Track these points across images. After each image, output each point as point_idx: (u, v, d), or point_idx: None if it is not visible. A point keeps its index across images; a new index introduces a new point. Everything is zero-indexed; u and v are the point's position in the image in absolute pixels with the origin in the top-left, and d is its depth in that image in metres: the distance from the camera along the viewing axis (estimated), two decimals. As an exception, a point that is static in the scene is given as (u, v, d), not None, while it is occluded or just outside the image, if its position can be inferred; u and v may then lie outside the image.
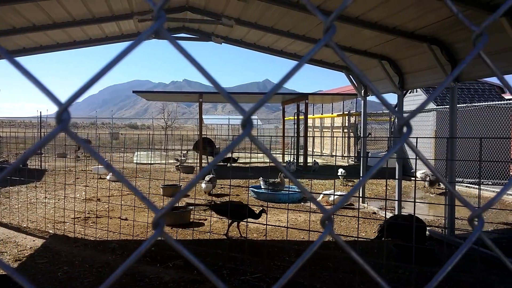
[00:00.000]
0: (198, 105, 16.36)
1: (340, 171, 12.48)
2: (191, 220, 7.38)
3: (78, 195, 9.47)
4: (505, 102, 12.64)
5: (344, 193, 9.63)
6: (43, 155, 17.86)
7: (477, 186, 5.71)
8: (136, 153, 22.03)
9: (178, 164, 15.39)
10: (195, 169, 14.95)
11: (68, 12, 7.04)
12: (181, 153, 16.90)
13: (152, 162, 16.87)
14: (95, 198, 9.02)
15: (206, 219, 7.56)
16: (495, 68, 0.56)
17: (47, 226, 6.96)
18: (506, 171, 11.51)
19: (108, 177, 11.80)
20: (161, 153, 22.63)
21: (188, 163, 16.56)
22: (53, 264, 5.21)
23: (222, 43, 9.98)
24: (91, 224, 7.08)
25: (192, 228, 6.52)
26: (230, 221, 6.32)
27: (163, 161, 17.19)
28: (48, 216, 7.49)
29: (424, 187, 11.45)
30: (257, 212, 6.20)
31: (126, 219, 7.42)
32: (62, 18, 7.27)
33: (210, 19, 8.61)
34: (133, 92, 16.87)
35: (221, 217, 6.56)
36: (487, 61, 0.55)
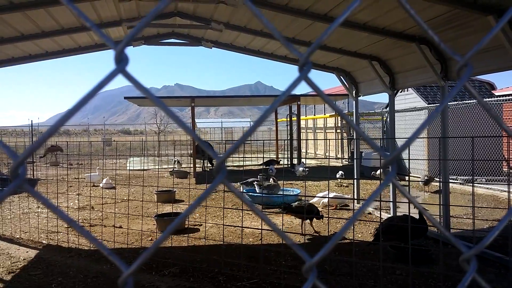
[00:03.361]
0: (191, 109, 16.32)
1: (340, 173, 12.53)
2: (186, 226, 7.34)
3: (71, 203, 9.38)
4: (496, 99, 12.73)
5: (339, 194, 9.63)
6: (35, 163, 17.70)
7: (471, 184, 5.75)
8: (129, 159, 21.92)
9: (172, 169, 15.32)
10: (190, 173, 14.89)
11: (56, 20, 6.99)
12: (174, 158, 16.84)
13: (145, 168, 16.80)
14: (89, 206, 8.94)
15: (201, 225, 7.52)
16: (478, 96, 0.55)
17: (40, 237, 6.88)
18: (499, 167, 11.59)
19: (101, 185, 11.72)
20: (154, 159, 22.52)
21: (182, 167, 16.51)
22: (47, 275, 5.15)
23: (212, 48, 9.96)
24: (85, 233, 7.00)
25: (187, 235, 6.49)
26: (302, 220, 6.89)
27: (157, 167, 17.11)
28: (41, 226, 7.41)
29: (420, 185, 11.49)
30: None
31: (120, 227, 7.36)
32: (50, 27, 7.22)
33: (199, 24, 8.60)
34: (125, 98, 16.79)
35: (295, 217, 7.16)
36: (472, 92, 0.54)
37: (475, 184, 10.89)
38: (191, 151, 15.86)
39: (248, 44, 9.65)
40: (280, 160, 18.40)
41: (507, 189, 9.08)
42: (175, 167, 16.20)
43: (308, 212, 6.61)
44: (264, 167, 12.45)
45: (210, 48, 10.02)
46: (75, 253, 5.99)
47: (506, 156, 12.40)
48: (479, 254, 5.32)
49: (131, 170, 15.13)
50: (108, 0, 6.80)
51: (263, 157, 16.90)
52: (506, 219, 0.67)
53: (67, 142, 8.23)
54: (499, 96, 14.43)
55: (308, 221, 6.93)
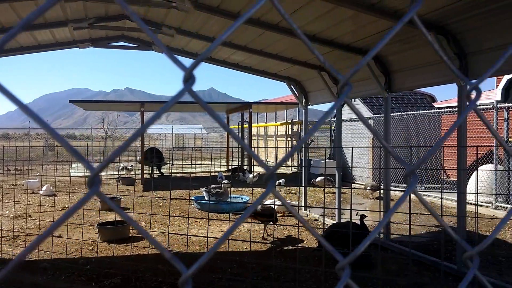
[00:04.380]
0: (140, 114, 15.93)
1: (281, 181, 12.69)
2: (130, 235, 7.11)
3: (7, 211, 8.83)
4: (436, 110, 13.47)
5: (287, 201, 9.72)
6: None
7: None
8: (73, 165, 21.01)
9: (118, 176, 14.84)
10: (136, 181, 14.48)
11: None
12: (122, 165, 16.33)
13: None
14: (26, 214, 8.45)
15: (146, 233, 7.32)
16: (360, 114, 0.56)
17: (-31, 248, 6.40)
18: (439, 176, 12.22)
19: (41, 192, 11.13)
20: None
21: (131, 174, 16.03)
22: (-26, 289, 4.78)
23: (163, 52, 9.81)
24: (20, 243, 6.61)
25: (130, 244, 6.29)
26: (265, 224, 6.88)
27: (103, 173, 16.51)
28: (-29, 236, 6.90)
29: (365, 192, 11.87)
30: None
31: (60, 236, 7.00)
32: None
33: (150, 28, 8.44)
34: (70, 101, 16.11)
35: (260, 220, 7.07)
36: (353, 109, 0.56)
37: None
38: (139, 157, 15.45)
39: (200, 50, 9.59)
40: (246, 167, 18.36)
41: (444, 196, 9.59)
42: (124, 173, 15.72)
43: (269, 216, 6.69)
44: (232, 174, 12.41)
45: (161, 53, 9.86)
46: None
47: (444, 166, 13.12)
48: (417, 258, 5.56)
49: (74, 176, 14.49)
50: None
51: (229, 165, 16.76)
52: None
53: (3, 146, 7.74)
54: (439, 108, 15.27)
55: (262, 225, 7.00)
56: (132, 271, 5.28)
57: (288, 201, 9.78)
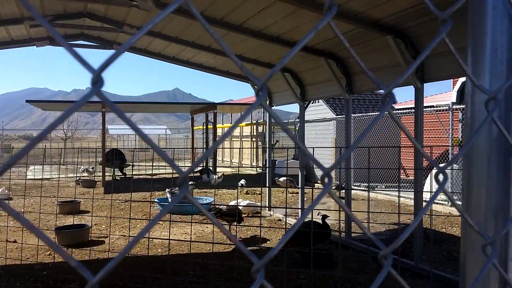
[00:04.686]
0: (101, 115, 15.54)
1: (242, 181, 12.68)
2: (90, 239, 6.92)
3: (-44, 217, 8.39)
4: (395, 111, 13.87)
5: (252, 202, 9.75)
6: None
7: (371, 190, 6.21)
8: (30, 168, 20.21)
9: (78, 178, 14.39)
10: (97, 183, 14.10)
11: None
12: (82, 167, 15.88)
13: (49, 177, 15.62)
14: (-22, 219, 8.05)
15: (107, 237, 7.14)
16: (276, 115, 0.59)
17: None
18: (397, 175, 12.60)
19: (-5, 195, 10.63)
20: (59, 167, 21.02)
21: (88, 176, 15.58)
22: None
23: (125, 52, 9.61)
24: (-29, 250, 6.29)
25: (89, 248, 6.12)
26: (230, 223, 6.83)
27: (63, 175, 15.97)
28: None
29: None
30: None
31: (15, 241, 6.71)
32: None
33: (110, 27, 8.26)
34: (27, 101, 15.51)
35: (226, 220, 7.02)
36: (270, 112, 0.57)
37: (376, 190, 11.74)
38: (101, 159, 15.07)
39: (163, 50, 9.46)
40: (211, 168, 18.20)
41: (403, 195, 9.91)
42: (85, 175, 15.27)
43: (234, 215, 6.76)
44: (200, 175, 12.30)
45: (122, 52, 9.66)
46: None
47: (402, 165, 13.54)
48: (376, 256, 5.70)
49: (31, 179, 13.96)
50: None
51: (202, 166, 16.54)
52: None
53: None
54: (399, 109, 15.74)
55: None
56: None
57: (253, 201, 9.80)
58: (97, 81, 0.41)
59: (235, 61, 0.51)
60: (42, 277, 5.17)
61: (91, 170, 15.61)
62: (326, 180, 0.54)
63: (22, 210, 8.07)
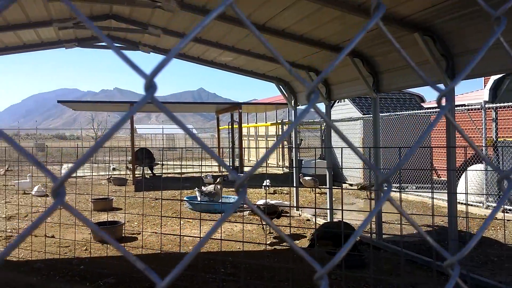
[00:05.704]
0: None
1: (267, 181, 12.68)
2: (123, 235, 7.13)
3: (-1, 212, 8.79)
4: (424, 111, 13.64)
5: (279, 201, 9.79)
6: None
7: (402, 191, 6.15)
8: (64, 166, 20.85)
9: (109, 176, 14.77)
10: (128, 181, 14.45)
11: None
12: (112, 165, 16.27)
13: (81, 174, 16.08)
14: (18, 215, 8.41)
15: (139, 234, 7.34)
16: (326, 117, 0.61)
17: (-39, 249, 6.37)
18: (429, 176, 12.37)
19: (33, 192, 11.06)
20: (92, 165, 21.60)
21: (120, 174, 15.99)
22: (-33, 291, 4.78)
23: (150, 52, 9.80)
24: (12, 245, 6.58)
25: (123, 244, 6.31)
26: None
27: (95, 173, 16.42)
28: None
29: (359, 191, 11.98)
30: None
31: (52, 237, 6.99)
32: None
33: (135, 28, 8.41)
34: (58, 101, 16.03)
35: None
36: (320, 114, 0.60)
37: (407, 191, 11.57)
38: (130, 157, 15.42)
39: (188, 51, 9.58)
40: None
41: (435, 196, 9.74)
42: (120, 172, 15.64)
43: (273, 213, 7.12)
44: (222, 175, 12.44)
45: (148, 53, 9.85)
46: (2, 266, 5.60)
47: (434, 166, 13.30)
48: (409, 258, 5.65)
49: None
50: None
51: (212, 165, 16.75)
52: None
53: (-6, 147, 7.71)
54: (428, 108, 15.47)
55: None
56: (126, 272, 5.30)
57: (280, 201, 9.84)
58: (150, 86, 0.44)
59: (284, 64, 0.54)
60: (80, 271, 5.38)
61: (119, 168, 15.92)
62: (385, 186, 0.57)
63: (59, 207, 8.36)
